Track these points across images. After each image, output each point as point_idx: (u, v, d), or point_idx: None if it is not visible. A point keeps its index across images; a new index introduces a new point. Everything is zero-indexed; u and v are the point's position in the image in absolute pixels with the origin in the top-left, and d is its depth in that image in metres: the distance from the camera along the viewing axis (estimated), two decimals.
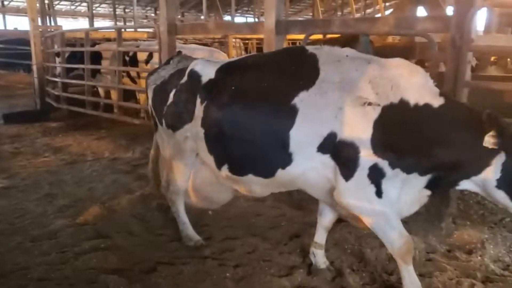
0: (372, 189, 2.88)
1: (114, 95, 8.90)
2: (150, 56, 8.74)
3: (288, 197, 4.75)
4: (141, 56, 9.02)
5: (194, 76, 3.48)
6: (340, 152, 2.89)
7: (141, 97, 9.02)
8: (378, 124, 2.81)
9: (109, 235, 4.10)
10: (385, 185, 2.87)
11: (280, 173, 3.13)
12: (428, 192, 2.99)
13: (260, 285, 3.33)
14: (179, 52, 4.16)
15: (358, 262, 3.66)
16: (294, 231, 4.20)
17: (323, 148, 2.94)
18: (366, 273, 3.49)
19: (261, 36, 6.04)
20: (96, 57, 9.33)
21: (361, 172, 2.85)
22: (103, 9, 30.03)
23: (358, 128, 2.83)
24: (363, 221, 3.04)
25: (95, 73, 9.56)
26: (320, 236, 3.59)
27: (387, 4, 22.06)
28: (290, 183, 3.26)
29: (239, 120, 3.20)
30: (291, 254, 3.77)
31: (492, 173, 2.74)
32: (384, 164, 2.82)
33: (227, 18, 24.13)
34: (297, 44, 11.88)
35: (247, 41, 15.07)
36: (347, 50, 3.19)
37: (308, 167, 3.04)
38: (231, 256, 3.75)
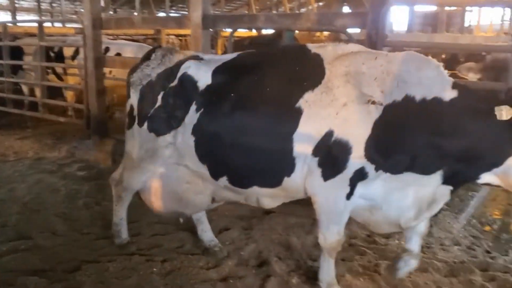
0: (346, 191, 2.85)
1: (38, 92, 8.46)
2: (77, 51, 8.39)
3: None
4: (67, 51, 8.63)
5: (188, 81, 3.20)
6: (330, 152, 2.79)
7: (68, 94, 8.66)
8: (378, 124, 2.70)
9: (30, 236, 3.93)
10: (358, 187, 2.84)
11: (286, 181, 2.99)
12: (449, 188, 2.86)
13: (187, 278, 3.34)
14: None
15: (285, 250, 3.77)
16: (224, 224, 4.25)
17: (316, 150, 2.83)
18: (292, 261, 3.61)
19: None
20: (17, 53, 8.83)
21: (345, 175, 2.79)
22: (28, 3, 28.40)
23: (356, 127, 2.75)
24: (315, 210, 2.99)
25: (17, 69, 9.04)
26: (413, 243, 3.30)
27: (320, 3, 22.69)
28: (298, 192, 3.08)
29: (244, 128, 3.01)
30: (221, 247, 3.81)
31: None
32: (370, 167, 2.75)
33: (161, 14, 23.70)
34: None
35: (181, 38, 14.88)
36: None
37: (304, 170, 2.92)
38: (159, 251, 3.73)
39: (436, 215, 4.05)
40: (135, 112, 3.44)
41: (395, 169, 2.77)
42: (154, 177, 3.46)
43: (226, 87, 3.11)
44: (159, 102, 3.27)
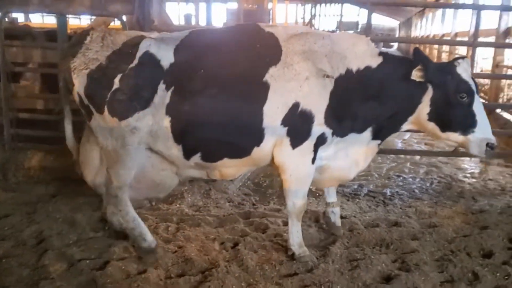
0: (311, 156, 3.25)
1: None
2: None
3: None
4: None
5: (151, 59, 3.12)
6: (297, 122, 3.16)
7: None
8: (332, 95, 3.18)
9: None
10: (320, 152, 3.29)
11: (256, 151, 3.25)
12: (377, 142, 3.49)
13: None
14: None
15: (69, 227, 3.84)
16: (5, 212, 4.13)
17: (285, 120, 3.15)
18: (74, 235, 3.72)
19: None
20: None
21: (310, 142, 3.20)
22: None
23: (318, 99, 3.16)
24: (284, 179, 3.32)
25: None
26: (332, 196, 3.89)
27: None
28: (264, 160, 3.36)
29: (216, 104, 3.12)
30: None
31: (423, 108, 3.28)
32: (328, 133, 3.23)
33: None
34: None
35: None
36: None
37: (273, 140, 3.22)
38: None
39: (213, 180, 4.67)
40: (86, 100, 3.17)
41: (343, 133, 3.32)
42: None
43: (194, 65, 3.16)
44: (116, 85, 3.08)
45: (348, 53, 3.29)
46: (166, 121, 3.15)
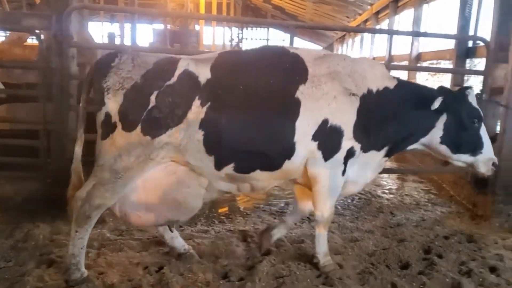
0: (342, 168, 3.45)
1: None
2: None
3: None
4: None
5: (189, 77, 3.23)
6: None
7: None
8: (359, 112, 3.41)
9: None
10: (349, 164, 3.48)
11: (287, 164, 3.38)
12: (386, 158, 3.71)
13: None
14: None
15: None
16: None
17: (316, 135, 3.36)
18: None
19: None
20: None
21: (340, 154, 3.41)
22: None
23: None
24: (315, 190, 3.48)
25: None
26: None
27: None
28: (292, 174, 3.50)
29: (251, 118, 3.26)
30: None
31: (436, 132, 3.57)
32: (357, 146, 3.43)
33: None
34: None
35: None
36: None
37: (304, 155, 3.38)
38: None
39: None
40: (116, 118, 3.15)
41: (367, 148, 3.51)
42: (138, 187, 3.27)
43: (230, 81, 3.28)
44: (152, 103, 3.14)
45: (367, 74, 3.56)
46: (199, 135, 3.22)
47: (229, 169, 3.32)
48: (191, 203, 3.45)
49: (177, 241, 3.79)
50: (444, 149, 3.64)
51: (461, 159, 3.70)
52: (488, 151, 3.67)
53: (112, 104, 3.16)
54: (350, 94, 3.43)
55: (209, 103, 3.20)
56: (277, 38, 31.74)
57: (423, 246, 4.16)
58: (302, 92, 3.35)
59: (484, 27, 6.81)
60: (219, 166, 3.30)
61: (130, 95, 3.15)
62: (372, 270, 3.59)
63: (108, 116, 3.18)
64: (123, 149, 3.16)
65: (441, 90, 3.60)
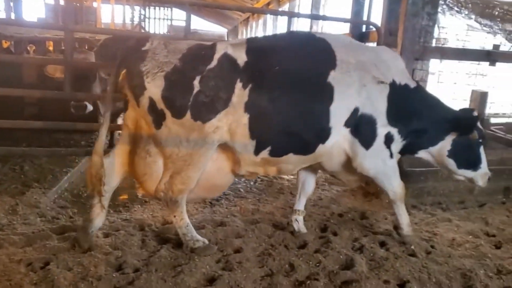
0: (387, 153, 3.64)
1: None
2: None
3: None
4: None
5: (228, 60, 3.26)
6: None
7: None
8: (389, 98, 3.56)
9: None
10: (393, 147, 3.65)
11: (320, 148, 3.49)
12: (399, 156, 3.88)
13: None
14: None
15: None
16: None
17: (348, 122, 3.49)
18: None
19: None
20: None
21: (379, 140, 3.57)
22: None
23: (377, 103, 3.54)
24: (375, 180, 3.76)
25: None
26: (301, 204, 4.11)
27: None
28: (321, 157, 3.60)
29: (289, 101, 3.32)
30: None
31: (445, 146, 3.83)
32: (394, 131, 3.61)
33: None
34: None
35: None
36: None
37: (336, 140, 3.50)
38: None
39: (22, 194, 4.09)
40: (161, 105, 3.17)
41: (403, 133, 3.68)
42: None
43: (266, 63, 3.32)
44: (197, 88, 3.16)
45: (391, 64, 3.73)
46: (245, 119, 3.26)
47: (265, 153, 3.44)
48: (224, 187, 3.90)
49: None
50: (450, 163, 3.90)
51: (465, 175, 3.99)
52: (485, 165, 3.97)
53: (154, 89, 3.14)
54: (379, 82, 3.57)
55: (250, 85, 3.25)
56: (181, 18, 30.94)
57: (319, 224, 4.30)
58: (333, 77, 3.43)
59: (377, 13, 7.18)
60: (258, 150, 3.41)
61: (172, 79, 3.15)
62: (271, 251, 3.62)
63: (152, 101, 3.18)
64: (181, 136, 3.22)
65: (466, 111, 3.94)
